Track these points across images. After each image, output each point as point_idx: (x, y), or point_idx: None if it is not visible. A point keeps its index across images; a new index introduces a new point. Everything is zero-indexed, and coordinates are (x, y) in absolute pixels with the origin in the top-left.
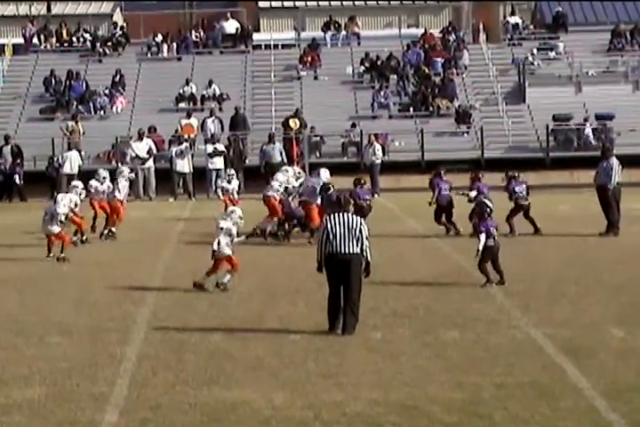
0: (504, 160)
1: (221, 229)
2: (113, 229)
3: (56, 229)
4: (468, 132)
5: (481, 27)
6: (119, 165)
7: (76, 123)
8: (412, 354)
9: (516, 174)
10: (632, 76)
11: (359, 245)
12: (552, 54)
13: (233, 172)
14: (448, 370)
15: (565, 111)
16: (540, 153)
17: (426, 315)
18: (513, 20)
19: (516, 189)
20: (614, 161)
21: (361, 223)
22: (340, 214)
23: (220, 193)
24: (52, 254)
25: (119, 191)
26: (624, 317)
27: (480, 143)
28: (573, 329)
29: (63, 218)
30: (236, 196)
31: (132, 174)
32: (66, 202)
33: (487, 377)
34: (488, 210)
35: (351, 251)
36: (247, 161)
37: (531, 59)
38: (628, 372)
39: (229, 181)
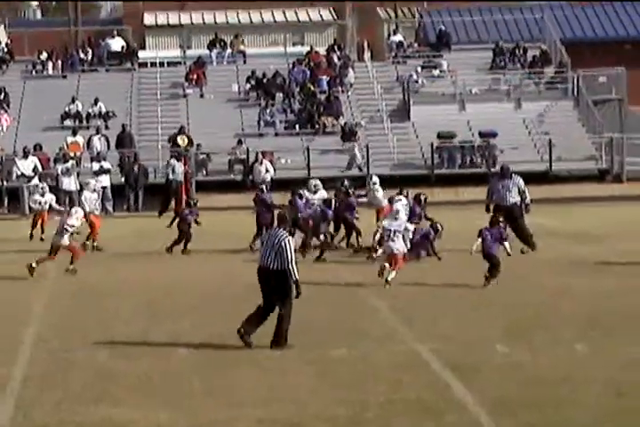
0: (389, 177)
1: None
2: (95, 244)
3: (66, 241)
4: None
5: (365, 45)
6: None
7: None
8: (298, 371)
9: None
10: (514, 93)
11: (280, 260)
12: (436, 72)
13: (45, 185)
14: (333, 387)
15: (449, 129)
16: (424, 170)
17: (311, 331)
18: (397, 38)
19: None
20: (517, 179)
21: (283, 239)
22: (272, 230)
23: (34, 205)
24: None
25: (87, 204)
26: (508, 332)
27: (366, 161)
28: (458, 345)
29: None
30: (46, 209)
31: (99, 186)
32: (79, 215)
33: (372, 394)
34: None
35: (271, 266)
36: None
37: (415, 77)
38: (512, 387)
39: (42, 195)
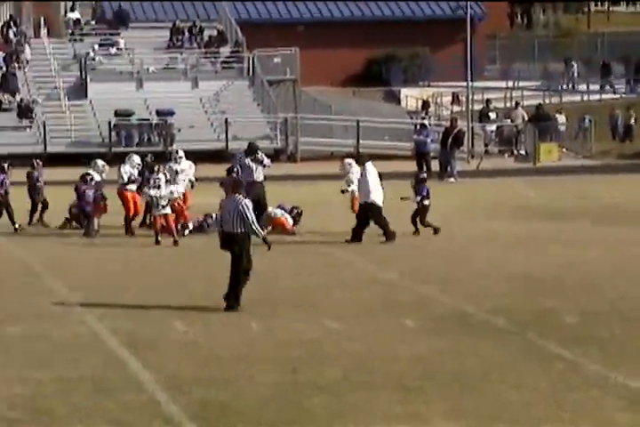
0: (67, 155)
1: None
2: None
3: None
4: (30, 127)
5: (42, 21)
6: None
7: None
8: None
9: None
10: (191, 73)
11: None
12: (113, 50)
13: None
14: (10, 366)
15: (127, 107)
16: (102, 148)
17: None
18: (74, 15)
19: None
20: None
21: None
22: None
23: None
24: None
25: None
26: (185, 310)
27: (43, 138)
28: (136, 323)
29: None
30: None
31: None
32: None
33: (49, 372)
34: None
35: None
36: None
37: (92, 54)
38: (189, 365)
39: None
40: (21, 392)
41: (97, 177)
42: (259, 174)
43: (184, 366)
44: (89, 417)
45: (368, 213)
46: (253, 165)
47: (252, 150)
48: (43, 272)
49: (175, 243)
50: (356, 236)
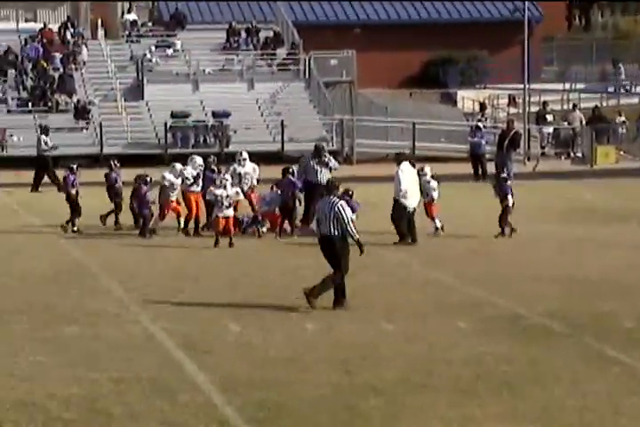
0: (124, 156)
1: None
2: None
3: None
4: (87, 128)
5: (99, 22)
6: None
7: None
8: (30, 350)
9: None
10: (247, 74)
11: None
12: (170, 52)
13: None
14: (66, 366)
15: (183, 108)
16: (158, 149)
17: (44, 311)
18: (131, 16)
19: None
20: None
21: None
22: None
23: None
24: None
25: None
26: (240, 312)
27: (99, 139)
28: (192, 324)
29: None
30: None
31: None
32: None
33: (105, 372)
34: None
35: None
36: None
37: (149, 56)
38: (244, 366)
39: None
40: (77, 392)
41: (175, 181)
42: (323, 176)
43: (239, 367)
44: (144, 418)
45: (399, 211)
46: (318, 167)
47: (317, 152)
48: (99, 273)
49: (231, 244)
50: (411, 236)
